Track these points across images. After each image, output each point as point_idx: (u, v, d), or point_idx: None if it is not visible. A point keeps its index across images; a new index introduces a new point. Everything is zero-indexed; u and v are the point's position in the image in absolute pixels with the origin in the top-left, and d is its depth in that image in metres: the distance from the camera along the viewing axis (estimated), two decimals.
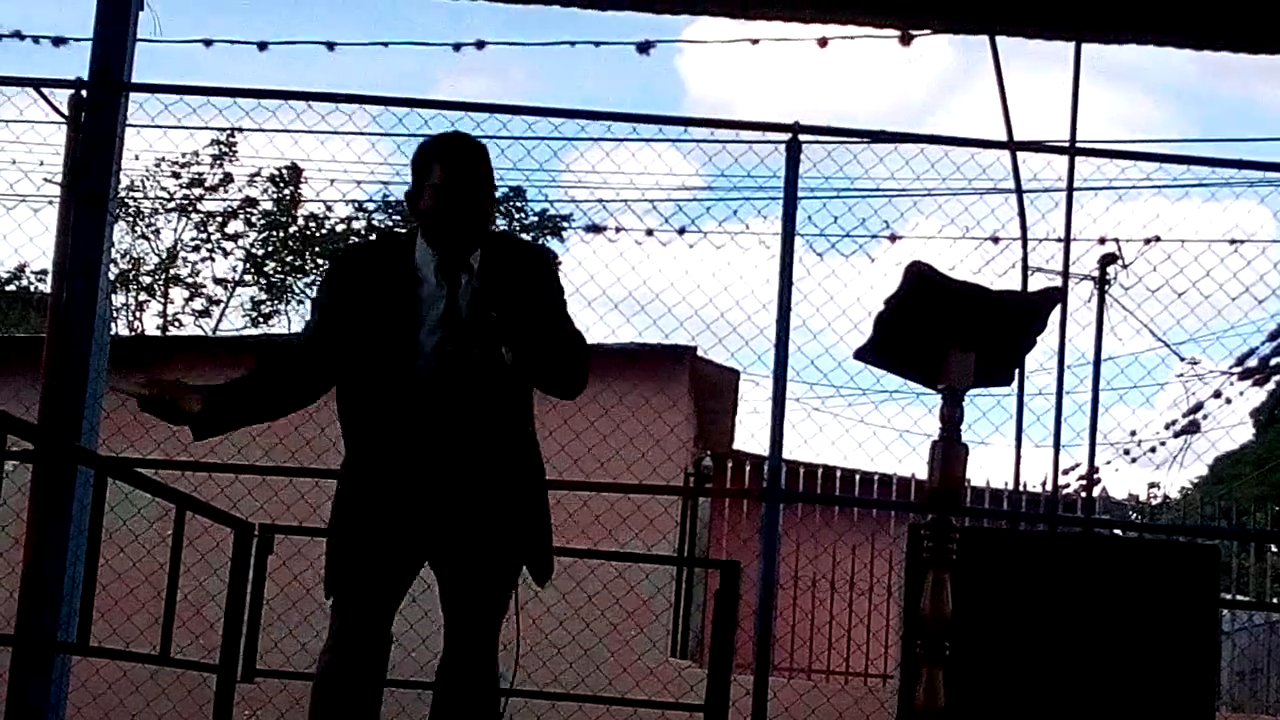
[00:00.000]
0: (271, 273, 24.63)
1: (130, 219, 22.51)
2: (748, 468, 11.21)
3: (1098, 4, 6.08)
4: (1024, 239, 7.93)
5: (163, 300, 24.38)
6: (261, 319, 24.53)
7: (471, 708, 3.66)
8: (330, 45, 9.10)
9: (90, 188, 5.87)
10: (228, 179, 23.45)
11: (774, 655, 6.75)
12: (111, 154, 5.97)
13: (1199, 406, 14.01)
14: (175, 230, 24.19)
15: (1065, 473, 11.58)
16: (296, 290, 24.60)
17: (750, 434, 14.04)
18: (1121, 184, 8.91)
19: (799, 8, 6.38)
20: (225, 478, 7.82)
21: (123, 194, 15.74)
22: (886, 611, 10.64)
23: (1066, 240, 7.33)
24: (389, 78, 42.66)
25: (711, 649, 5.92)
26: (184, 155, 21.88)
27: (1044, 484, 9.80)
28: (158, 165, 21.53)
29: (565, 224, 22.22)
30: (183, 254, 24.37)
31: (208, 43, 9.22)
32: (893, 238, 9.66)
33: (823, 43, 7.56)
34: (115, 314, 20.53)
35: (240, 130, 12.05)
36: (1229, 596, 12.76)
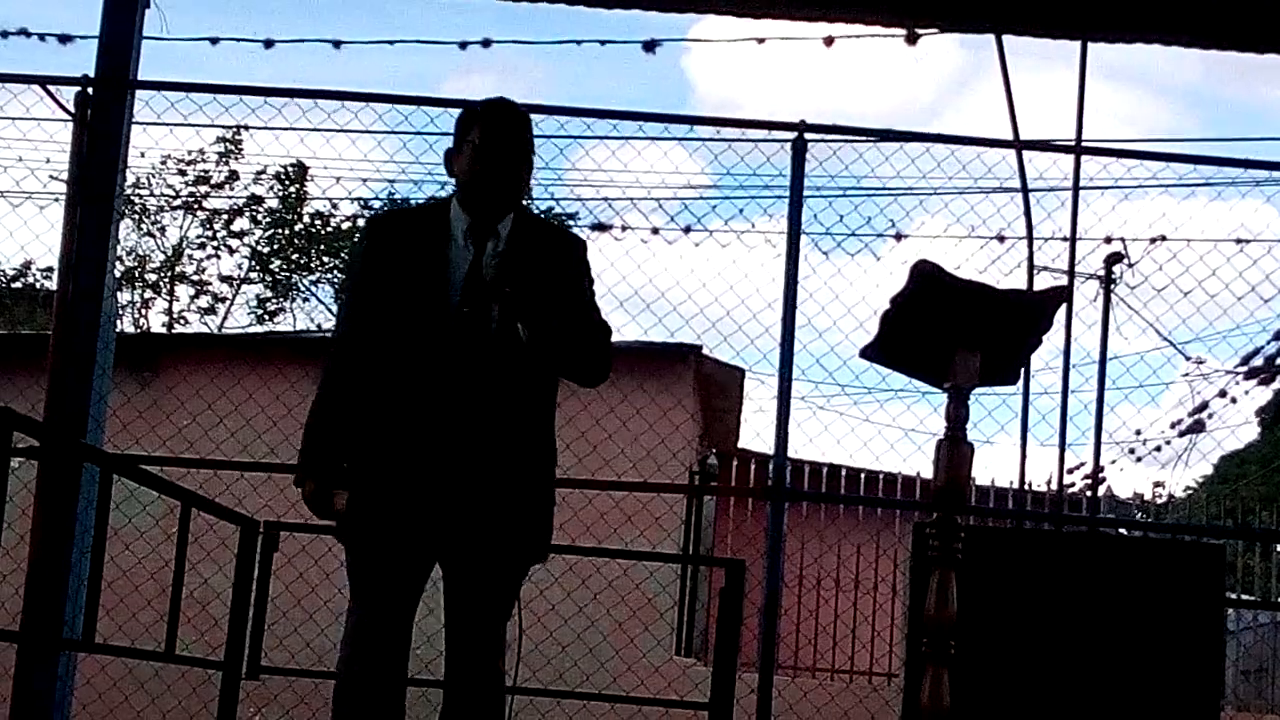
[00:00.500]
0: (277, 270, 24.64)
1: (136, 216, 22.53)
2: (753, 466, 11.20)
3: (1104, 3, 6.07)
4: (1030, 238, 7.94)
5: (168, 298, 24.40)
6: (267, 316, 24.54)
7: (477, 707, 3.65)
8: (336, 43, 9.14)
9: (96, 185, 5.88)
10: (233, 176, 23.45)
11: (778, 654, 6.76)
12: (117, 151, 5.98)
13: (1204, 406, 14.00)
14: (181, 228, 24.23)
15: (1070, 472, 11.54)
16: (302, 288, 24.63)
17: (755, 432, 14.08)
18: (1127, 183, 8.91)
19: (805, 6, 6.38)
20: (230, 475, 7.83)
21: (128, 191, 15.76)
22: (891, 610, 10.65)
23: (1072, 239, 7.35)
24: (395, 76, 42.67)
25: (716, 647, 5.92)
26: (190, 153, 21.94)
27: (1049, 483, 9.80)
28: (164, 163, 21.56)
29: (571, 222, 22.21)
30: (188, 251, 24.39)
31: (214, 41, 9.25)
32: (898, 236, 9.70)
33: (829, 42, 7.58)
34: (120, 311, 20.49)
35: (246, 128, 12.02)
36: (1234, 595, 12.74)
